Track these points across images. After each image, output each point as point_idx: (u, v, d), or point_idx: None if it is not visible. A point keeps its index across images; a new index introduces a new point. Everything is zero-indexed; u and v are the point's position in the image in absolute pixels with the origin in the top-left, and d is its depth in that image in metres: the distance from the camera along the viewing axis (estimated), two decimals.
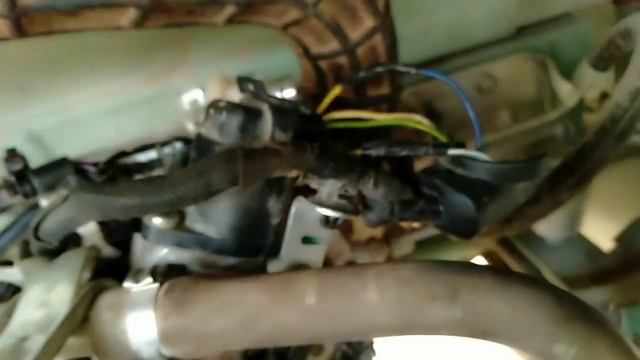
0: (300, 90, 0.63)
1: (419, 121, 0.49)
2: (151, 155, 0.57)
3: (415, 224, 0.94)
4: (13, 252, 0.50)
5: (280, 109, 0.43)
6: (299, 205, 0.45)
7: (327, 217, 0.44)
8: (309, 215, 0.45)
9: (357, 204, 0.44)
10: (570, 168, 0.65)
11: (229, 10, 0.46)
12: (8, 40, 0.40)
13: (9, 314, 0.38)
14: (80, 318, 0.38)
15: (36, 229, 0.42)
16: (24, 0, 0.37)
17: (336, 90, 0.51)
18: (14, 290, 0.45)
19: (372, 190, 0.43)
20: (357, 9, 0.52)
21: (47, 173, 0.49)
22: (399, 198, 0.44)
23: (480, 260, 1.05)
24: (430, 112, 0.84)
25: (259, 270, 0.46)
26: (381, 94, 0.61)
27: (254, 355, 0.48)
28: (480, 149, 0.45)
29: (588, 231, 0.97)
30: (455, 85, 0.47)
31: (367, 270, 0.35)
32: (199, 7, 0.44)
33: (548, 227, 0.94)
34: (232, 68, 0.76)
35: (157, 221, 0.42)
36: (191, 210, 0.43)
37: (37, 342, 0.34)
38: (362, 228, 0.88)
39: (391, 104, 0.62)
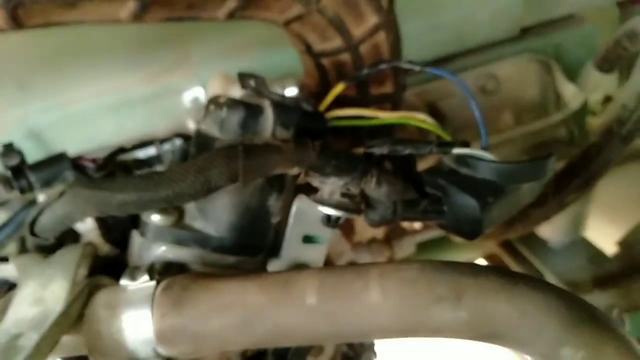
0: (302, 88, 0.62)
1: (422, 120, 0.48)
2: (150, 151, 0.57)
3: (417, 226, 0.93)
4: (11, 248, 0.50)
5: (282, 106, 0.42)
6: (300, 203, 0.44)
7: (328, 216, 0.44)
8: (310, 214, 0.44)
9: (360, 203, 0.44)
10: (576, 169, 0.65)
11: (230, 4, 0.46)
12: (5, 32, 0.39)
13: (3, 311, 0.37)
14: (75, 316, 0.37)
15: (32, 224, 0.41)
16: None
17: (339, 88, 0.50)
18: (9, 286, 0.45)
19: (375, 189, 0.42)
20: (360, 5, 0.51)
21: (44, 168, 0.49)
22: (402, 197, 0.43)
23: (482, 263, 1.04)
24: (434, 112, 0.83)
25: (259, 269, 0.45)
26: (384, 92, 0.60)
27: (252, 355, 0.48)
28: (485, 148, 0.44)
29: (591, 235, 0.96)
30: (461, 82, 0.46)
31: (369, 270, 0.35)
32: (199, 0, 0.44)
33: (551, 230, 0.93)
34: (234, 66, 0.75)
35: (155, 218, 0.41)
36: (190, 208, 0.42)
37: (30, 340, 0.33)
38: (364, 229, 0.87)
39: (394, 103, 0.61)
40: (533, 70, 0.89)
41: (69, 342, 0.36)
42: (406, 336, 0.34)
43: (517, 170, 0.43)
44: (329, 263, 0.51)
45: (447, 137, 0.47)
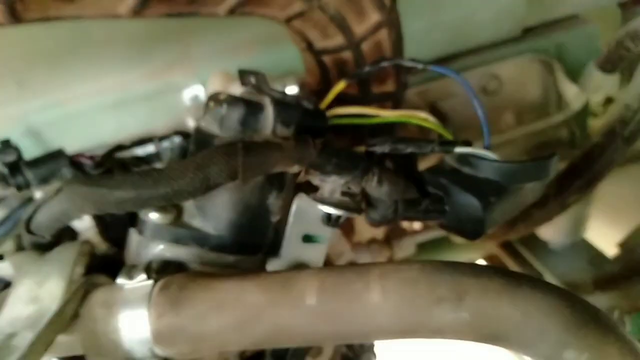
0: (302, 86, 0.62)
1: (424, 118, 0.48)
2: (149, 149, 0.56)
3: (417, 226, 0.93)
4: (8, 246, 0.49)
5: (283, 103, 0.42)
6: (300, 202, 0.44)
7: (329, 215, 0.43)
8: (310, 213, 0.44)
9: (360, 202, 0.43)
10: (578, 170, 0.64)
11: (231, 0, 0.45)
12: (3, 27, 0.38)
13: None
14: (71, 315, 0.36)
15: (28, 221, 0.41)
16: None
17: (340, 85, 0.50)
18: (4, 285, 0.44)
19: (376, 188, 0.42)
20: (362, 2, 0.51)
21: (41, 165, 0.48)
22: (403, 197, 0.43)
23: (482, 263, 1.04)
24: (435, 112, 0.83)
25: (258, 268, 0.45)
26: (386, 91, 0.59)
27: (251, 356, 0.47)
28: (488, 147, 0.44)
29: (592, 236, 0.96)
30: (463, 81, 0.45)
31: (370, 270, 0.34)
32: None
33: (552, 232, 0.93)
34: (234, 64, 0.74)
35: (153, 216, 0.40)
36: (189, 206, 0.42)
37: (25, 339, 0.33)
38: (364, 229, 0.87)
39: (396, 101, 0.61)
40: (535, 70, 0.89)
41: (65, 341, 0.36)
42: (407, 337, 0.34)
43: (520, 170, 0.43)
44: (328, 263, 0.51)
45: (449, 136, 0.47)
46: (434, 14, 0.83)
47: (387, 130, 0.55)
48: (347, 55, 0.56)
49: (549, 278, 0.90)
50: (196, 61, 0.79)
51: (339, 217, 0.43)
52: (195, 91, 0.79)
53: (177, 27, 0.76)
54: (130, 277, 0.38)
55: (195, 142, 0.43)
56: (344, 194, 0.42)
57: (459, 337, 0.33)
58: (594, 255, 0.94)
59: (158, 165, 0.57)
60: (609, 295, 0.84)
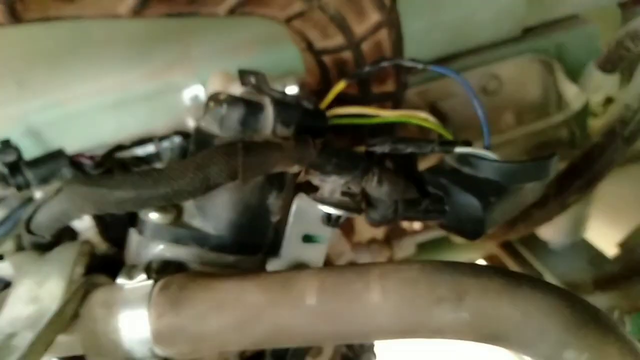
0: (302, 86, 0.62)
1: (424, 118, 0.48)
2: (149, 149, 0.56)
3: (416, 226, 0.93)
4: (8, 246, 0.49)
5: (283, 103, 0.42)
6: (300, 202, 0.44)
7: (329, 215, 0.43)
8: (310, 213, 0.44)
9: (360, 202, 0.43)
10: (578, 170, 0.64)
11: (231, 0, 0.45)
12: (3, 27, 0.38)
13: None
14: (71, 315, 0.36)
15: (28, 222, 0.41)
16: None
17: (340, 85, 0.50)
18: (4, 285, 0.44)
19: (376, 188, 0.42)
20: (362, 2, 0.50)
21: (41, 165, 0.48)
22: (403, 197, 0.43)
23: (482, 263, 1.04)
24: (434, 112, 0.83)
25: (258, 268, 0.45)
26: (386, 91, 0.59)
27: (251, 356, 0.47)
28: (488, 147, 0.44)
29: (592, 236, 0.96)
30: (463, 81, 0.45)
31: (370, 270, 0.34)
32: None
33: (551, 231, 0.93)
34: (234, 64, 0.74)
35: (153, 216, 0.40)
36: (189, 206, 0.42)
37: (25, 339, 0.33)
38: (364, 229, 0.87)
39: (396, 101, 0.61)
40: (535, 70, 0.89)
41: (65, 341, 0.36)
42: (407, 337, 0.34)
43: (520, 170, 0.43)
44: (328, 263, 0.51)
45: (449, 136, 0.47)
46: (433, 14, 0.83)
47: (387, 130, 0.55)
48: (347, 55, 0.56)
49: (549, 278, 0.90)
50: (196, 61, 0.79)
51: (339, 217, 0.43)
52: (195, 91, 0.79)
53: (177, 27, 0.76)
54: (130, 277, 0.38)
55: (195, 142, 0.43)
56: (344, 194, 0.42)
57: (459, 337, 0.33)
58: (594, 255, 0.94)
59: (158, 165, 0.57)
60: (609, 295, 0.84)
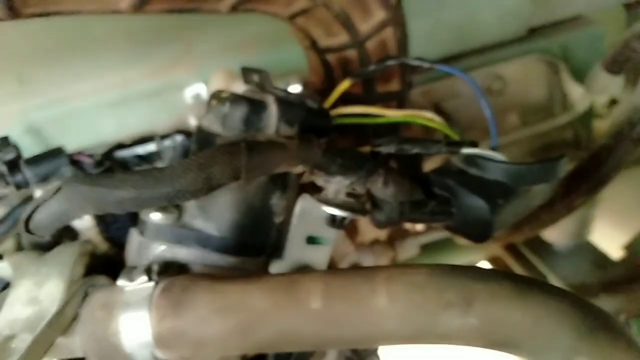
0: (306, 85, 0.61)
1: (430, 118, 0.47)
2: (150, 148, 0.56)
3: (419, 227, 0.92)
4: (8, 245, 0.48)
5: (286, 102, 0.41)
6: (304, 203, 0.43)
7: (333, 217, 0.42)
8: (314, 214, 0.43)
9: (365, 203, 0.42)
10: (585, 172, 0.64)
11: None
12: (1, 22, 0.38)
13: None
14: (70, 317, 0.36)
15: (27, 221, 0.40)
16: None
17: (345, 84, 0.49)
18: (3, 285, 0.43)
19: (382, 189, 0.41)
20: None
21: (40, 163, 0.47)
22: (409, 198, 0.42)
23: (485, 265, 1.03)
24: (438, 112, 0.82)
25: (261, 270, 0.44)
26: (390, 90, 0.59)
27: (253, 358, 0.46)
28: (495, 148, 0.43)
29: (597, 238, 0.95)
30: (470, 80, 0.45)
31: (376, 274, 0.33)
32: None
33: (557, 234, 0.92)
34: (236, 62, 0.74)
35: (154, 216, 0.40)
36: (190, 206, 0.41)
37: (23, 342, 0.32)
38: (367, 229, 0.86)
39: (400, 101, 0.60)
40: (540, 71, 0.88)
41: (64, 343, 0.35)
42: (414, 343, 0.33)
43: (528, 172, 0.42)
44: (331, 265, 0.50)
45: (455, 137, 0.46)
46: (439, 13, 0.82)
47: (392, 130, 0.55)
48: (352, 53, 0.55)
49: (553, 280, 0.90)
50: (198, 59, 0.78)
51: (343, 218, 0.42)
52: (198, 89, 0.78)
53: (179, 24, 0.75)
54: (131, 278, 0.37)
55: (197, 141, 0.43)
56: (348, 195, 0.42)
57: (467, 343, 0.32)
58: (599, 257, 0.93)
59: (159, 164, 0.56)
60: (615, 299, 0.84)
